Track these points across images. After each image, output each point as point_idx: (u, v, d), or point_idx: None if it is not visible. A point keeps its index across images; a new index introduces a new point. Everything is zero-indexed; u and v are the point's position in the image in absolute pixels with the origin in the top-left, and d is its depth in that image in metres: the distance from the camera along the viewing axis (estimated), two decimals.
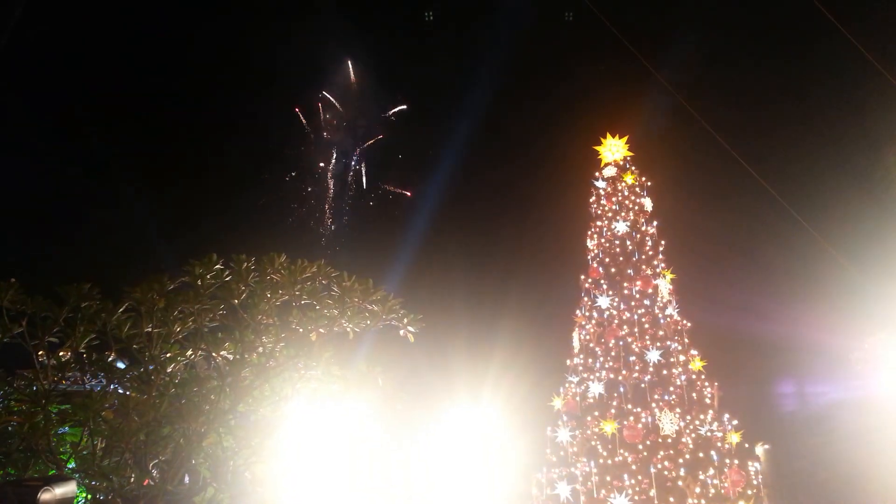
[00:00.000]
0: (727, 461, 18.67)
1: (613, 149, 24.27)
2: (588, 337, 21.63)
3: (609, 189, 23.70)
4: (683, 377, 20.09)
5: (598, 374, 20.54)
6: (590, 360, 21.07)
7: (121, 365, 6.71)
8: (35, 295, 6.14)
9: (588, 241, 23.38)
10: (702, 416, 19.37)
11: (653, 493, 17.93)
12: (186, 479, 6.50)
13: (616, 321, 21.19)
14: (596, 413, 19.86)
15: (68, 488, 3.84)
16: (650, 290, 21.56)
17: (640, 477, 18.33)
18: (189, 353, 6.86)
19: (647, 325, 20.90)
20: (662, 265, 22.14)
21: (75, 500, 7.27)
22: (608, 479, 18.54)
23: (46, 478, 4.09)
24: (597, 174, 24.26)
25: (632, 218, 22.97)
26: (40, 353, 6.27)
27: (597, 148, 24.62)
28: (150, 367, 6.46)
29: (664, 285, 21.67)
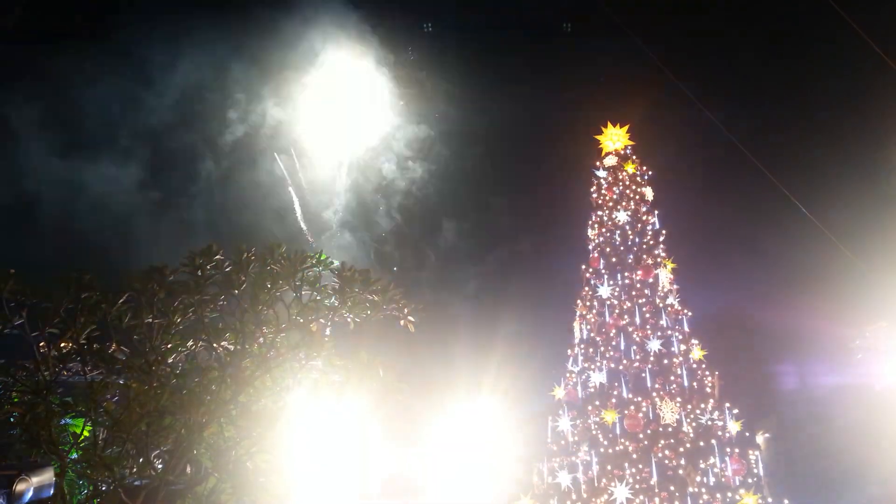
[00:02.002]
0: (728, 450, 18.71)
1: (614, 138, 24.19)
2: (589, 326, 21.64)
3: (610, 178, 23.64)
4: (684, 366, 20.10)
5: (598, 364, 20.55)
6: (590, 350, 21.08)
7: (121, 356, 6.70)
8: (35, 285, 6.12)
9: (589, 230, 23.35)
10: (702, 405, 19.40)
11: (654, 481, 17.98)
12: (188, 469, 6.51)
13: (617, 311, 21.20)
14: (597, 402, 19.89)
15: (45, 476, 3.72)
16: (651, 280, 21.54)
17: (640, 466, 18.37)
18: (190, 343, 6.85)
19: (647, 315, 20.89)
20: (663, 254, 22.11)
21: (76, 493, 7.28)
22: (609, 468, 18.58)
23: (22, 465, 3.94)
24: (597, 163, 24.20)
25: (633, 207, 22.92)
26: (41, 343, 6.26)
27: (598, 137, 24.55)
28: (152, 358, 6.45)
29: (665, 275, 21.65)
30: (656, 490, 17.84)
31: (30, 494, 3.57)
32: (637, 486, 17.92)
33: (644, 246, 22.23)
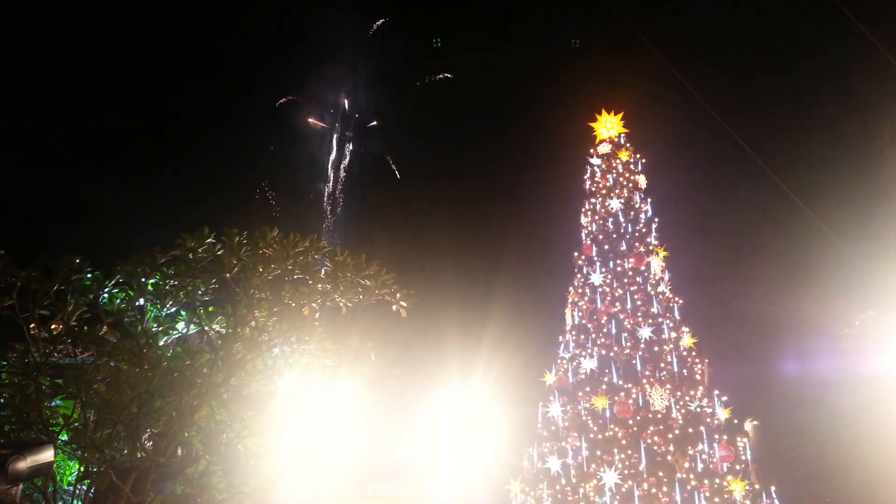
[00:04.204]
0: (716, 437, 18.87)
1: (608, 125, 24.21)
2: (580, 313, 21.72)
3: (604, 166, 23.66)
4: (674, 353, 20.22)
5: (589, 351, 20.64)
6: (582, 337, 21.17)
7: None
8: (25, 267, 6.09)
9: (582, 217, 23.39)
10: (692, 393, 19.53)
11: (642, 467, 18.13)
12: (179, 451, 6.52)
13: (608, 298, 21.28)
14: (587, 389, 20.00)
15: (43, 454, 3.56)
16: (643, 268, 21.62)
17: (629, 452, 18.51)
18: (181, 326, 6.84)
19: (639, 302, 20.98)
20: (655, 242, 22.17)
21: (67, 471, 7.29)
22: (598, 453, 18.72)
23: (18, 443, 3.78)
24: (591, 151, 24.21)
25: (626, 195, 22.96)
26: (31, 325, 6.23)
27: (592, 124, 24.54)
28: (142, 341, 6.44)
29: (657, 262, 21.73)
30: (645, 476, 17.99)
31: (26, 473, 3.45)
32: (626, 472, 18.07)
33: (636, 234, 22.30)
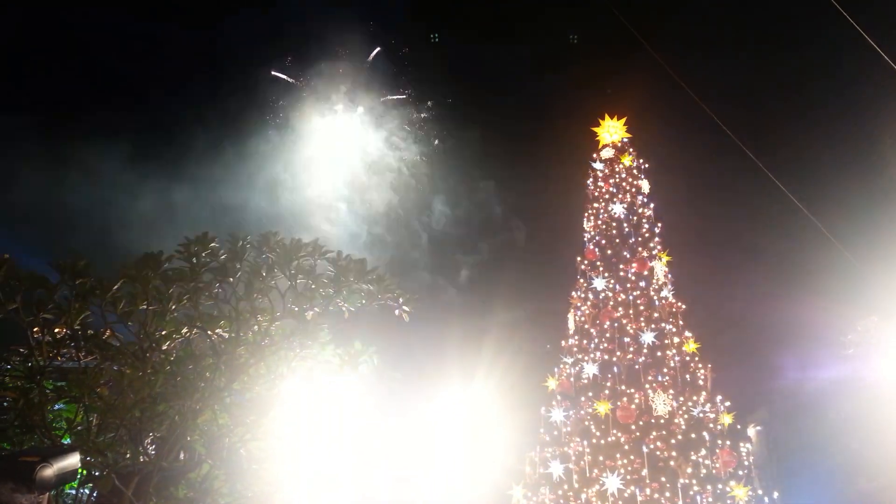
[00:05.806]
0: (719, 442, 18.83)
1: (612, 130, 24.23)
2: (583, 318, 21.71)
3: (607, 171, 23.68)
4: (677, 359, 20.20)
5: (592, 355, 20.63)
6: (584, 342, 21.16)
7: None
8: (30, 271, 6.10)
9: (585, 222, 23.40)
10: (695, 398, 19.51)
11: (645, 472, 18.10)
12: (182, 455, 6.53)
13: (611, 303, 21.27)
14: (590, 393, 19.99)
15: (70, 461, 3.56)
16: (646, 272, 21.61)
17: (632, 457, 18.49)
18: (185, 330, 6.84)
19: (642, 307, 20.98)
20: (658, 247, 22.18)
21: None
22: (601, 458, 18.70)
23: (45, 450, 3.78)
24: (594, 156, 24.23)
25: (629, 200, 22.97)
26: (35, 329, 6.24)
27: (595, 129, 24.56)
28: (146, 345, 6.45)
29: (660, 267, 21.72)
30: (647, 481, 17.96)
31: (54, 481, 3.42)
32: (628, 477, 18.04)
33: (639, 238, 22.31)
